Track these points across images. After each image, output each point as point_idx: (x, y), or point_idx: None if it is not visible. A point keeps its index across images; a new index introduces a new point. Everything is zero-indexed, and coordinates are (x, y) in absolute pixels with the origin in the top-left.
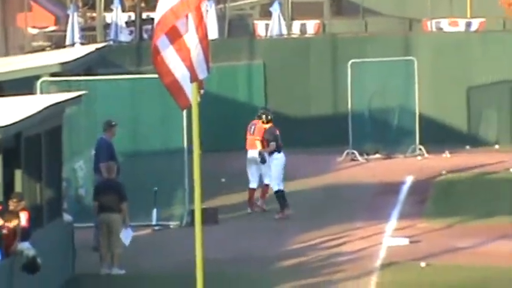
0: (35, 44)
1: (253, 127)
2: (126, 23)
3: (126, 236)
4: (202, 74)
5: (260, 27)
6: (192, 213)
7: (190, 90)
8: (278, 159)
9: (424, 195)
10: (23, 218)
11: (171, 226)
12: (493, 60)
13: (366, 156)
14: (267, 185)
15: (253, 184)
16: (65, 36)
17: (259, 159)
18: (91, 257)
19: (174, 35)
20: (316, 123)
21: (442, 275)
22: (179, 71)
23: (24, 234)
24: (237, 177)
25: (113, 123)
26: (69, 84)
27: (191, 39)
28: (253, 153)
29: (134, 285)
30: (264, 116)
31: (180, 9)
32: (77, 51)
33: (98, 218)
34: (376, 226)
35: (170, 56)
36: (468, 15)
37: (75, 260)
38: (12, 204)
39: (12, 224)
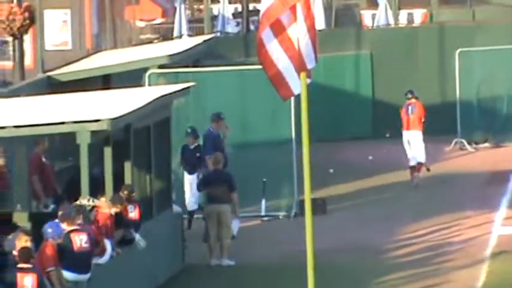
0: (142, 36)
1: (410, 107)
2: (233, 14)
3: (234, 226)
4: (310, 64)
5: (367, 17)
6: (300, 203)
7: (293, 81)
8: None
9: None
10: (134, 210)
11: (280, 217)
12: None
13: (474, 145)
14: (420, 163)
15: (412, 162)
16: (173, 28)
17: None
18: (201, 248)
19: (278, 28)
20: None
21: None
22: (282, 62)
23: (135, 226)
24: (344, 167)
25: (222, 116)
26: (177, 76)
27: (299, 29)
28: (410, 134)
29: (245, 276)
30: (410, 94)
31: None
32: (185, 43)
33: (207, 209)
34: (486, 215)
35: (274, 48)
36: None
37: (185, 251)
38: (122, 197)
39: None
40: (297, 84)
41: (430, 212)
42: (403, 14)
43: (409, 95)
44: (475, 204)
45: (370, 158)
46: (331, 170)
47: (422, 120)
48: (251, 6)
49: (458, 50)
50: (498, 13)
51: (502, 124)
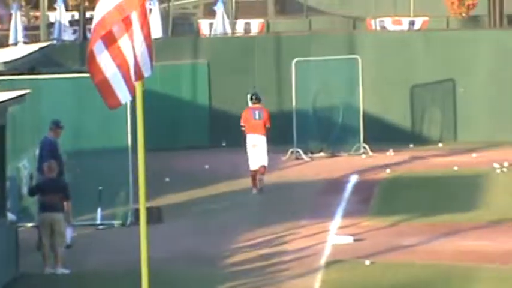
0: None
1: (257, 112)
2: (70, 22)
3: (68, 234)
4: (146, 72)
5: (204, 26)
6: (136, 212)
7: (121, 90)
8: None
9: (368, 193)
10: None
11: (115, 225)
12: (436, 58)
13: (310, 155)
14: (264, 166)
15: (253, 166)
16: (8, 35)
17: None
18: (35, 257)
19: (109, 39)
20: None
21: (386, 272)
22: (109, 70)
23: None
24: (181, 176)
25: (60, 124)
26: (12, 83)
27: (136, 38)
28: (257, 138)
29: (79, 285)
30: (255, 98)
31: (125, 7)
32: (20, 50)
33: (40, 217)
34: (320, 224)
35: (104, 58)
36: (411, 14)
37: (18, 259)
38: None
39: None
40: (125, 94)
41: (266, 221)
42: (240, 24)
43: (255, 99)
44: (310, 213)
45: (207, 167)
46: (167, 179)
47: (268, 125)
48: (88, 14)
49: (295, 60)
50: (334, 23)
51: (337, 134)
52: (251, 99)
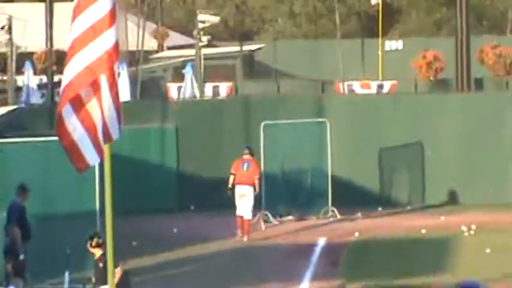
0: None
1: (246, 164)
2: (38, 85)
3: None
4: (115, 135)
5: (173, 89)
6: None
7: (89, 153)
8: None
9: (337, 256)
10: None
11: None
12: (404, 121)
13: (278, 218)
14: (248, 220)
15: (240, 212)
16: None
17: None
18: None
19: (77, 103)
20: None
21: None
22: (78, 133)
23: None
24: (149, 239)
25: (26, 187)
26: None
27: (104, 100)
28: (244, 188)
29: None
30: (248, 150)
31: (95, 69)
32: None
33: None
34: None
35: (72, 121)
36: (380, 78)
37: None
38: None
39: None
40: (93, 156)
41: (234, 285)
42: (209, 87)
43: (246, 151)
44: (278, 276)
45: (175, 230)
46: (135, 243)
47: (257, 177)
48: (56, 78)
49: (263, 123)
50: (302, 87)
51: (305, 197)
52: (244, 149)
